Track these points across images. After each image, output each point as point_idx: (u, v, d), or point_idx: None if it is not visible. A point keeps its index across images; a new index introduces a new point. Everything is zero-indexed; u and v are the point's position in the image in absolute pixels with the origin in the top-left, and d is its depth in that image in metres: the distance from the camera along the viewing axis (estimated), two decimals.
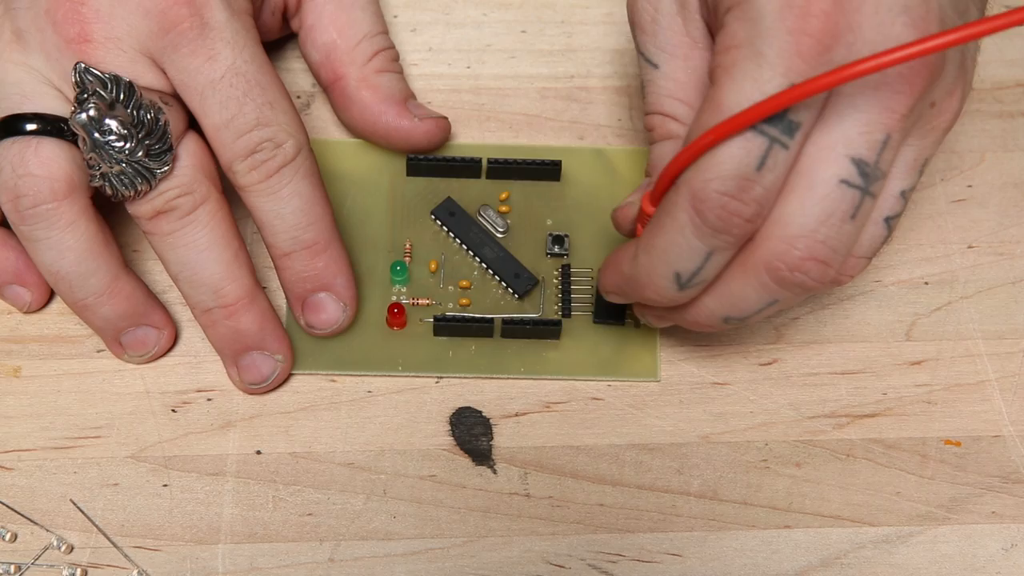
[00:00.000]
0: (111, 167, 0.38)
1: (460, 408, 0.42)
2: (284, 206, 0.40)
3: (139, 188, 0.39)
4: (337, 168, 0.45)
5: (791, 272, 0.35)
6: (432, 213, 0.45)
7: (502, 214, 0.45)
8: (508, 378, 0.43)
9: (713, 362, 0.43)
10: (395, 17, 0.49)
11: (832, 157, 0.35)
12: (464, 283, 0.43)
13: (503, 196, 0.45)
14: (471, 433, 0.42)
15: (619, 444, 0.42)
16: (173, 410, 0.42)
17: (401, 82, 0.46)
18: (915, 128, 0.36)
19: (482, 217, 0.45)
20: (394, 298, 0.43)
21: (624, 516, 0.41)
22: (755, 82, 0.34)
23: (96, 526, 0.40)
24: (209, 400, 0.42)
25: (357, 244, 0.44)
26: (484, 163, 0.45)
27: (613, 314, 0.43)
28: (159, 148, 0.39)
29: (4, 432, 0.41)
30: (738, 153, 0.34)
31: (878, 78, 0.34)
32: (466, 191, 0.45)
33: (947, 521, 0.41)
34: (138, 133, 0.38)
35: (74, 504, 0.40)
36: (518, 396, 0.42)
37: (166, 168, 0.39)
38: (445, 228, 0.44)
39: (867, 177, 0.35)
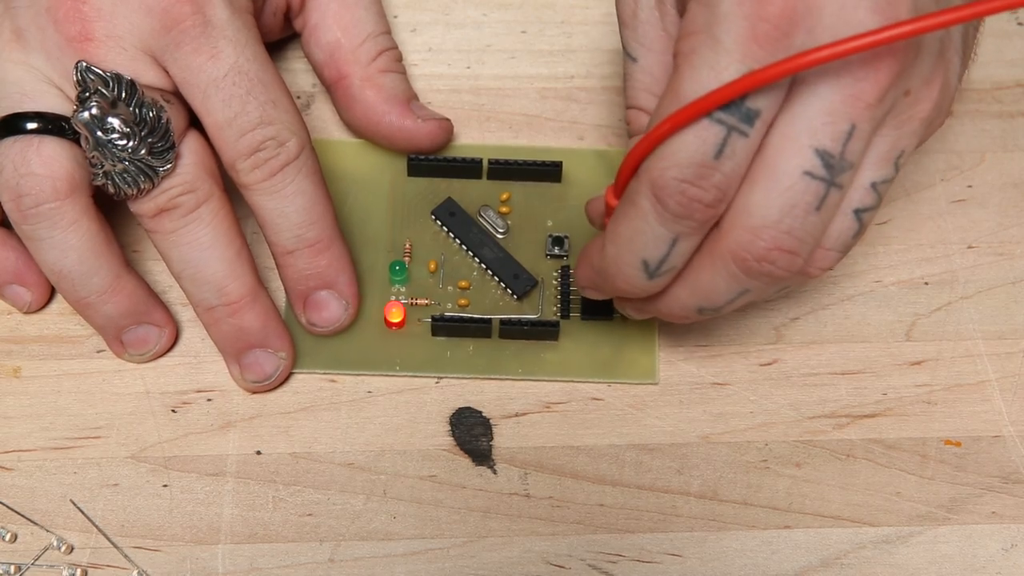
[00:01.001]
0: (114, 165, 0.38)
1: (460, 408, 0.42)
2: (287, 204, 0.40)
3: (142, 186, 0.39)
4: (338, 168, 0.45)
5: (758, 262, 0.35)
6: (432, 213, 0.45)
7: (502, 215, 0.45)
8: (506, 379, 0.43)
9: (713, 362, 0.43)
10: (395, 17, 0.49)
11: (795, 148, 0.34)
12: (463, 283, 0.43)
13: (504, 197, 0.45)
14: (471, 433, 0.42)
15: (619, 444, 0.42)
16: (173, 410, 0.42)
17: (404, 82, 0.46)
18: (888, 118, 0.35)
19: (482, 218, 0.45)
20: (393, 298, 0.43)
21: (624, 516, 0.41)
22: (712, 69, 0.34)
23: (96, 526, 0.40)
24: (209, 400, 0.42)
25: (357, 244, 0.44)
26: (485, 164, 0.45)
27: (601, 310, 0.43)
28: (161, 146, 0.39)
29: (4, 432, 0.41)
30: (694, 142, 0.34)
31: (840, 66, 0.33)
32: (467, 191, 0.45)
33: (947, 521, 0.41)
34: (140, 131, 0.38)
35: (74, 504, 0.40)
36: (518, 396, 0.42)
37: (169, 166, 0.39)
38: (445, 228, 0.44)
39: (832, 168, 0.34)
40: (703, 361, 0.43)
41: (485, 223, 0.45)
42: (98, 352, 0.43)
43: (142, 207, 0.39)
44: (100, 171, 0.39)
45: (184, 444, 0.41)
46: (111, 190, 0.39)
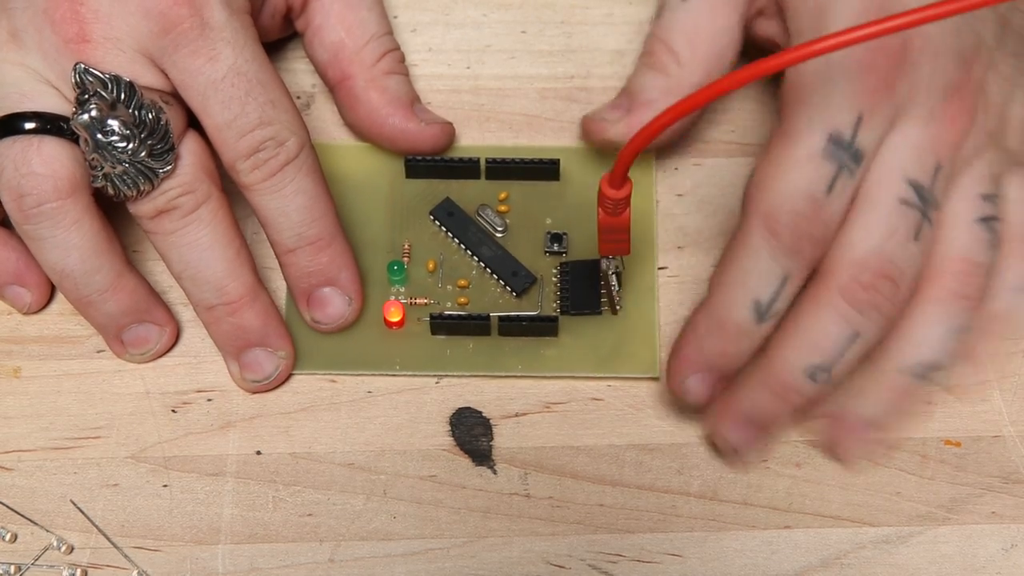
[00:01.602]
0: (114, 167, 0.38)
1: (460, 408, 0.42)
2: (288, 203, 0.40)
3: (141, 188, 0.39)
4: (336, 170, 0.45)
5: (865, 291, 0.37)
6: (431, 213, 0.45)
7: (501, 214, 0.45)
8: (507, 376, 0.43)
9: None
10: (395, 17, 0.49)
11: (891, 179, 0.37)
12: (462, 282, 0.43)
13: (502, 196, 0.45)
14: (471, 433, 0.42)
15: (619, 444, 0.42)
16: (173, 410, 0.42)
17: (408, 85, 0.46)
18: (974, 158, 0.39)
19: (481, 217, 0.45)
20: (392, 297, 0.43)
21: (624, 516, 0.41)
22: (826, 109, 0.37)
23: (96, 526, 0.40)
24: (209, 400, 0.42)
25: (356, 245, 0.44)
26: (483, 163, 0.45)
27: (588, 303, 0.43)
28: (161, 148, 0.39)
29: (4, 432, 0.41)
30: (810, 177, 0.37)
31: (927, 114, 0.38)
32: (465, 192, 0.45)
33: (947, 521, 0.41)
34: (140, 133, 0.38)
35: (74, 504, 0.40)
36: (518, 396, 0.42)
37: (168, 168, 0.39)
38: (443, 228, 0.44)
39: (925, 201, 0.37)
40: None
41: (483, 222, 0.45)
42: (98, 352, 0.43)
43: (141, 208, 0.40)
44: (100, 173, 0.39)
45: (184, 444, 0.41)
46: (110, 192, 0.39)
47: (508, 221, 0.45)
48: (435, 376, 0.43)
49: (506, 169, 0.45)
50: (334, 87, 0.45)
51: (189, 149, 0.40)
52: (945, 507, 0.41)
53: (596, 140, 0.44)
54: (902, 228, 0.37)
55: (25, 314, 0.43)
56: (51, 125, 0.38)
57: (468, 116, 0.47)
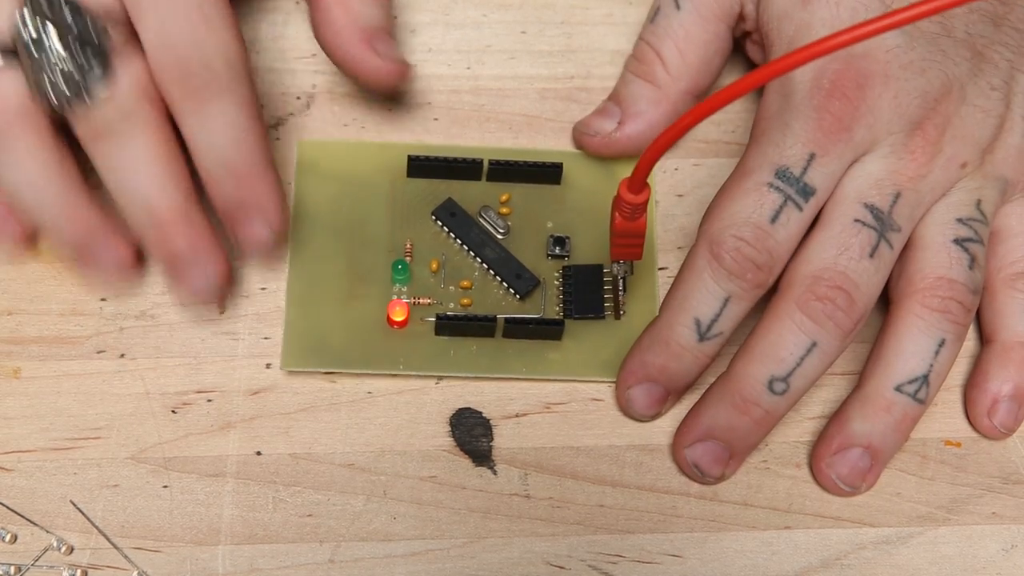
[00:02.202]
0: (50, 77, 0.38)
1: (460, 409, 0.42)
2: (213, 127, 0.39)
3: (77, 104, 0.38)
4: (337, 168, 0.45)
5: (819, 301, 0.38)
6: (432, 213, 0.45)
7: (503, 215, 0.45)
8: (509, 378, 0.42)
9: (713, 362, 0.43)
10: (394, 18, 0.49)
11: (847, 203, 0.39)
12: (465, 283, 0.43)
13: (504, 198, 0.45)
14: (471, 434, 0.42)
15: (619, 445, 0.42)
16: (173, 411, 0.42)
17: (379, 13, 0.43)
18: (954, 188, 0.40)
19: (483, 218, 0.45)
20: (395, 297, 0.43)
21: (624, 517, 0.41)
22: (777, 147, 0.39)
23: (96, 527, 0.40)
24: (209, 401, 0.42)
25: (357, 244, 0.44)
26: (485, 165, 0.45)
27: (591, 307, 0.43)
28: (100, 67, 0.38)
29: (4, 433, 0.41)
30: (753, 204, 0.38)
31: (888, 151, 0.39)
32: (467, 192, 0.45)
33: (947, 522, 0.41)
34: (81, 48, 0.38)
35: (74, 505, 0.40)
36: (518, 397, 0.42)
37: (107, 90, 0.38)
38: (445, 229, 0.44)
39: (881, 222, 0.38)
40: None
41: (486, 223, 0.44)
42: (98, 352, 0.43)
43: (81, 128, 0.39)
44: (36, 86, 0.38)
45: (184, 445, 0.41)
46: (46, 104, 0.38)
47: (510, 223, 0.45)
48: (435, 377, 0.42)
49: (508, 171, 0.45)
50: (309, 2, 0.43)
51: (130, 72, 0.39)
52: (945, 508, 0.41)
53: (591, 152, 0.45)
54: (856, 244, 0.38)
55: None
56: None
57: (468, 116, 0.47)
